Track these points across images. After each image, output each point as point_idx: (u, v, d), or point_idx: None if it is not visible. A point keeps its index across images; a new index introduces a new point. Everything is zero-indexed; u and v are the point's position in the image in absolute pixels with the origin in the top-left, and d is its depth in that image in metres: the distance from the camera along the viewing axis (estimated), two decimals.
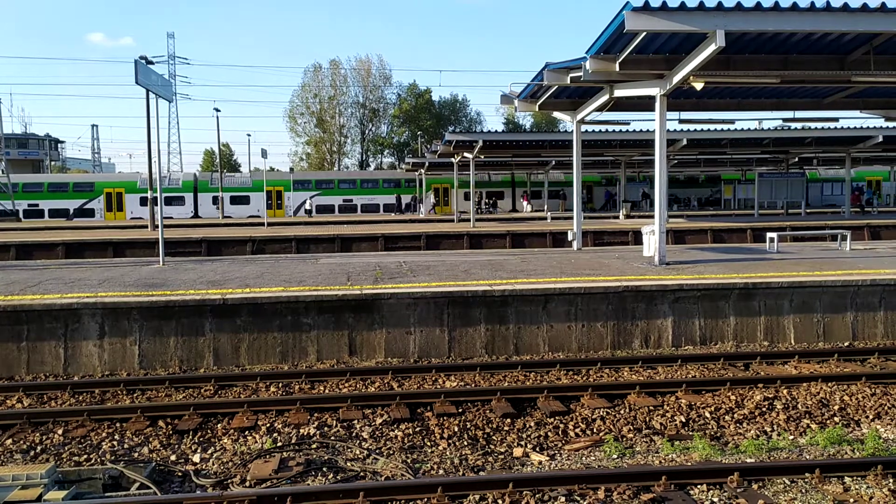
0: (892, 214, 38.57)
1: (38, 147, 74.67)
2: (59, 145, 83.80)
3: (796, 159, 42.65)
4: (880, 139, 31.36)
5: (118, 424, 8.04)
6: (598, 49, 13.15)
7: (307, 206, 53.22)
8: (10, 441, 7.64)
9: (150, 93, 20.28)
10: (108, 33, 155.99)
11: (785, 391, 8.88)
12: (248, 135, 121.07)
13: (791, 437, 7.59)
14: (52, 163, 79.27)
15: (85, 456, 7.22)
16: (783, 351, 10.95)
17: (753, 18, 11.21)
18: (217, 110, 53.21)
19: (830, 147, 35.08)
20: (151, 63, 27.99)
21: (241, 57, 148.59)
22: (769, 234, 17.94)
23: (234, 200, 52.59)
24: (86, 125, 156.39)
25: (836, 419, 8.11)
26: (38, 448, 7.48)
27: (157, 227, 18.37)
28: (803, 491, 6.00)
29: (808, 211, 40.36)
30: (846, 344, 11.59)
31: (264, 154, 36.12)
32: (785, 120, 23.63)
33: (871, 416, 8.20)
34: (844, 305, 11.80)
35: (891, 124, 27.88)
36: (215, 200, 51.58)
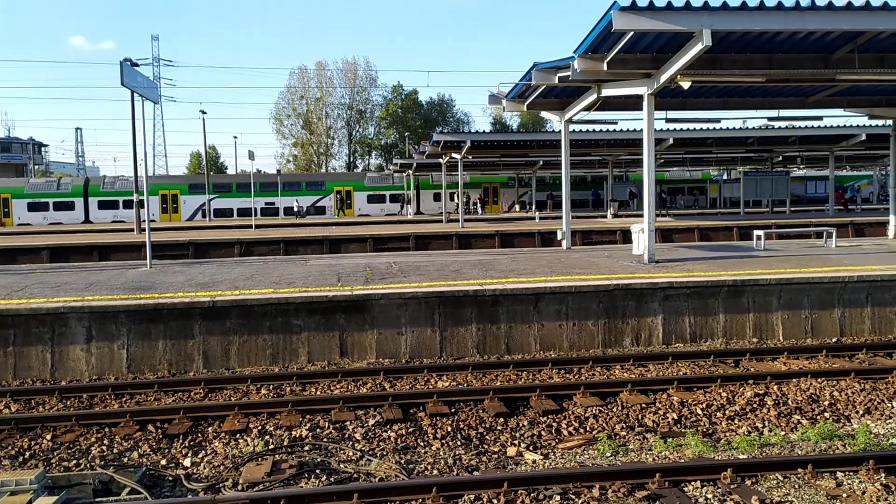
0: (875, 212, 38.92)
1: (22, 151, 73.98)
2: (43, 149, 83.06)
3: (780, 158, 42.98)
4: (863, 137, 31.65)
5: (107, 429, 7.96)
6: (585, 49, 13.17)
7: None
8: None
9: (135, 95, 20.11)
10: (89, 37, 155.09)
11: (775, 387, 8.92)
12: (235, 137, 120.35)
13: (782, 433, 7.63)
14: (36, 167, 78.50)
15: (74, 461, 7.14)
16: (772, 347, 11.01)
17: (739, 18, 11.26)
18: (203, 112, 53.07)
19: (814, 146, 35.37)
20: (136, 65, 27.71)
21: (227, 59, 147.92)
22: (756, 232, 18.05)
23: None
24: (69, 128, 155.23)
25: (827, 414, 8.17)
26: (27, 454, 7.39)
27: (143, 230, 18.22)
28: (796, 486, 6.02)
29: (792, 209, 40.67)
30: (834, 340, 11.67)
31: (251, 156, 36.06)
32: (770, 119, 23.79)
33: (860, 412, 8.26)
34: (832, 302, 11.88)
35: (874, 122, 28.14)
36: None
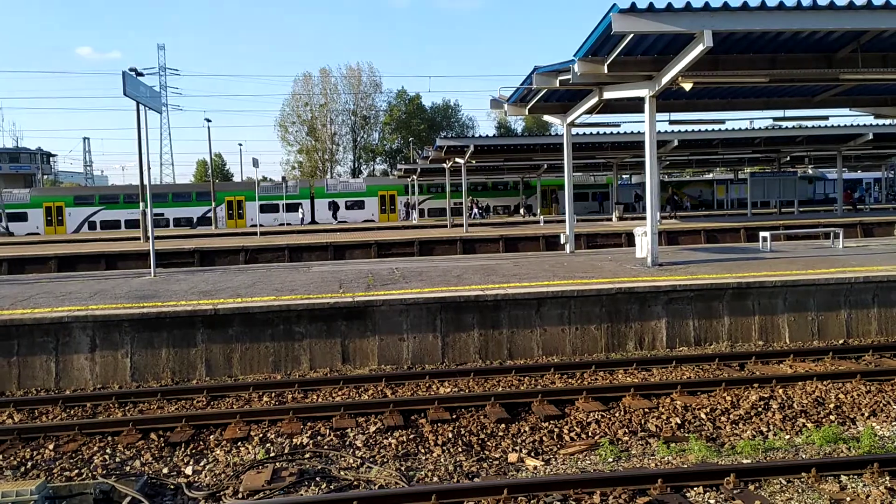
0: (884, 212, 38.68)
1: (30, 161, 74.32)
2: (51, 159, 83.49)
3: (788, 158, 42.77)
4: (871, 136, 31.46)
5: (110, 438, 7.97)
6: (586, 51, 13.14)
7: None
8: (0, 457, 7.56)
9: (139, 104, 20.20)
10: (95, 47, 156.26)
11: (780, 391, 8.85)
12: (240, 144, 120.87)
13: (787, 437, 7.56)
14: (45, 176, 78.95)
15: (76, 471, 7.14)
16: (778, 350, 10.93)
17: (740, 18, 11.21)
18: (208, 120, 53.22)
19: (821, 145, 35.18)
20: (141, 75, 27.89)
21: (232, 67, 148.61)
22: (762, 234, 17.96)
23: None
24: (77, 138, 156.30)
25: (832, 417, 8.09)
26: (29, 464, 7.40)
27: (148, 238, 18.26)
28: (800, 491, 5.96)
29: (801, 210, 40.47)
30: (840, 342, 11.57)
31: (255, 163, 36.01)
32: (775, 119, 23.68)
33: (866, 414, 8.18)
34: (838, 303, 11.79)
35: (880, 122, 27.97)
36: None
